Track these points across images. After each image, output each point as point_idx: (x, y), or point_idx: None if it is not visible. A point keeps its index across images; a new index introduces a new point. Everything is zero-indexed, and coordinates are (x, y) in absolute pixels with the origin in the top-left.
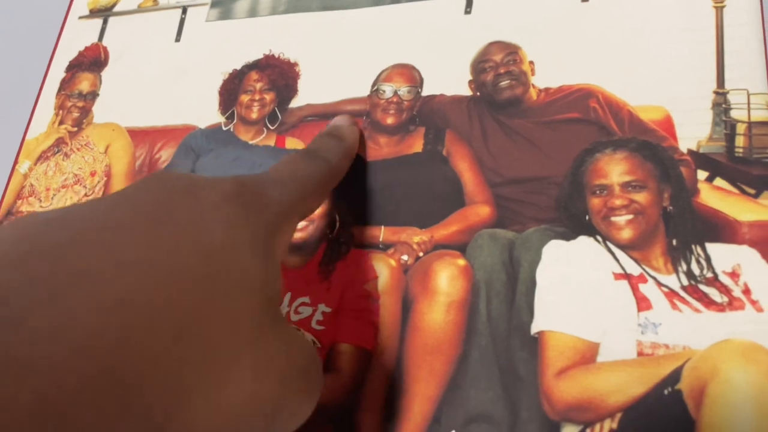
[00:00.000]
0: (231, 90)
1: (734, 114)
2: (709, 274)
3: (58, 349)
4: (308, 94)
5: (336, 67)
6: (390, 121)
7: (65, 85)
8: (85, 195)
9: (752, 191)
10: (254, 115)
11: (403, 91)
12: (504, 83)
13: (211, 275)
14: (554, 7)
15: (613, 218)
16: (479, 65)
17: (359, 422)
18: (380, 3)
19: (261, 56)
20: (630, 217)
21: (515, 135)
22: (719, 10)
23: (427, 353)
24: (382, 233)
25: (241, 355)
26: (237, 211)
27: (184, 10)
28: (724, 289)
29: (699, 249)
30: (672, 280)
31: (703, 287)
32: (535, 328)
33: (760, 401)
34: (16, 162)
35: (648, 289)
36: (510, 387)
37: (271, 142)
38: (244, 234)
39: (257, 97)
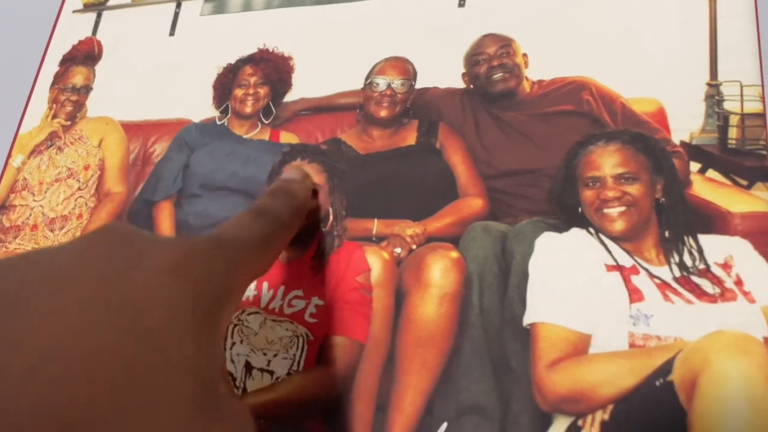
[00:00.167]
0: (225, 84)
1: (727, 106)
2: (702, 266)
3: None
4: (302, 87)
5: (330, 61)
6: (383, 113)
7: (59, 78)
8: (79, 189)
9: (744, 182)
10: (248, 110)
11: (397, 83)
12: (497, 76)
13: (139, 367)
14: (548, 0)
15: (605, 210)
16: (473, 58)
17: (352, 414)
18: None
19: (255, 50)
20: (622, 208)
21: (508, 128)
22: (713, 3)
23: (419, 345)
24: (375, 226)
25: None
26: (179, 284)
27: (179, 4)
28: (717, 281)
29: (691, 240)
30: (664, 272)
31: (695, 278)
32: (527, 320)
33: (752, 392)
34: (9, 156)
35: (640, 280)
36: (502, 379)
37: (266, 136)
38: (185, 311)
39: (251, 91)
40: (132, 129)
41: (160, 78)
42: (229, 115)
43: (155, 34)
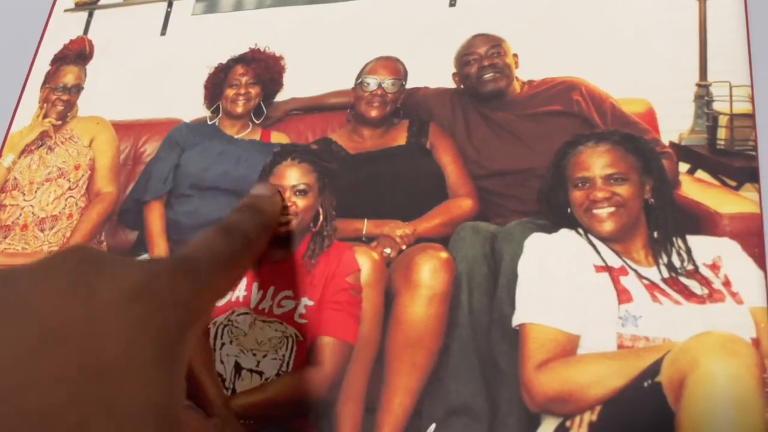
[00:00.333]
0: (216, 84)
1: (716, 106)
2: (690, 267)
3: None
4: (293, 87)
5: (321, 60)
6: (374, 113)
7: (50, 78)
8: (69, 188)
9: (733, 183)
10: (239, 110)
11: (388, 83)
12: (488, 76)
13: (96, 406)
14: (538, 0)
15: (594, 210)
16: (463, 58)
17: (341, 414)
18: None
19: (247, 50)
20: (612, 209)
21: (498, 128)
22: (702, 3)
23: (408, 346)
24: (365, 226)
25: None
26: (141, 311)
27: (170, 4)
28: (705, 282)
29: (680, 241)
30: (653, 273)
31: (683, 279)
32: (516, 321)
33: (739, 393)
34: None
35: (629, 281)
36: (490, 379)
37: (257, 136)
38: (146, 341)
39: (243, 91)
40: (123, 128)
41: (151, 77)
42: (220, 115)
43: (146, 34)
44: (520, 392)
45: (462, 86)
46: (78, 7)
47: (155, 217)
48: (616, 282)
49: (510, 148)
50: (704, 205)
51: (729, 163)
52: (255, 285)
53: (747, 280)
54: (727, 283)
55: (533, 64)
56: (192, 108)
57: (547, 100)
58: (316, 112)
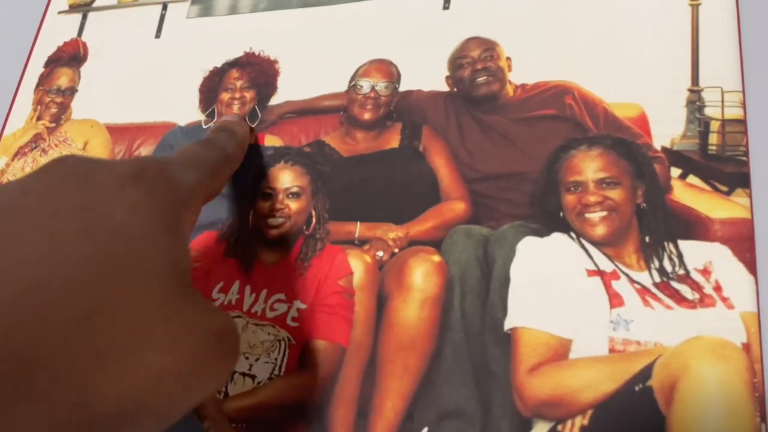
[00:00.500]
0: (211, 88)
1: (708, 111)
2: (681, 271)
3: None
4: (287, 90)
5: (315, 63)
6: (367, 116)
7: (43, 80)
8: None
9: (725, 188)
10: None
11: (381, 86)
12: (481, 79)
13: (114, 258)
14: (532, 3)
15: (587, 215)
16: (456, 61)
17: (333, 418)
18: None
19: (241, 54)
20: (604, 213)
21: (491, 131)
22: (695, 8)
23: (401, 349)
24: (357, 229)
25: (151, 332)
26: (137, 190)
27: (165, 7)
28: (696, 286)
29: (671, 246)
30: (644, 277)
31: (674, 284)
32: (508, 325)
33: (730, 398)
34: None
35: (620, 285)
36: (483, 383)
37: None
38: (147, 212)
39: (238, 95)
40: (117, 132)
41: (146, 81)
42: (215, 119)
43: (141, 37)
44: (512, 396)
45: (455, 89)
46: (72, 9)
47: None
48: (607, 286)
49: (503, 151)
50: (696, 210)
51: (720, 168)
52: (247, 288)
53: (738, 285)
54: (718, 288)
55: (526, 68)
56: (187, 111)
57: (539, 103)
58: (309, 115)
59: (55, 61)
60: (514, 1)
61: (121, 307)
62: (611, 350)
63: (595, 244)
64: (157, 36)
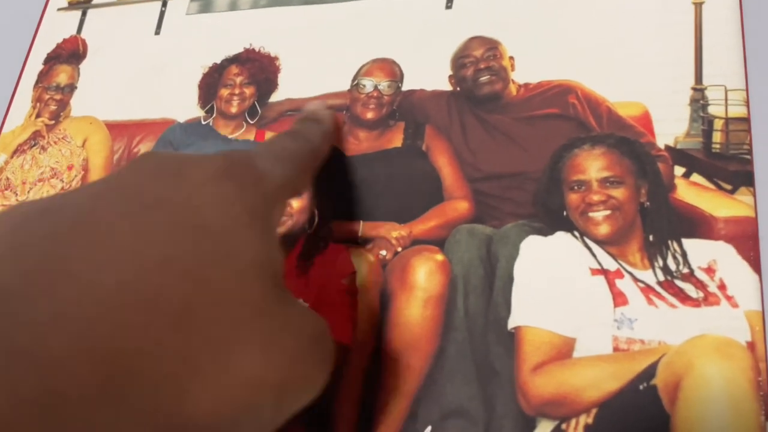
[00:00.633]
0: (211, 84)
1: (712, 110)
2: (685, 270)
3: (58, 340)
4: (288, 88)
5: (316, 62)
6: (370, 115)
7: (43, 77)
8: (62, 189)
9: (729, 187)
10: (234, 110)
11: (384, 85)
12: (484, 78)
13: (207, 254)
14: (535, 2)
15: (590, 214)
16: (459, 60)
17: (335, 417)
18: None
19: (241, 50)
20: (607, 212)
21: (494, 130)
22: (698, 7)
23: (404, 348)
24: (361, 228)
25: (247, 334)
26: (228, 187)
27: (165, 3)
28: (700, 285)
29: (675, 244)
30: (648, 276)
31: (679, 283)
32: (511, 324)
33: (734, 396)
34: None
35: (624, 284)
36: (486, 382)
37: (251, 137)
38: (238, 209)
39: (237, 91)
40: (116, 128)
41: (145, 77)
42: (214, 115)
43: (141, 33)
44: (515, 395)
45: (458, 89)
46: (71, 6)
47: None
48: (611, 285)
49: (506, 150)
50: (699, 209)
51: (724, 166)
52: None
53: (742, 283)
54: (722, 287)
55: (529, 67)
56: (186, 108)
57: (543, 103)
58: None
59: (54, 58)
60: (517, 0)
61: (214, 308)
62: (615, 349)
63: (599, 242)
64: (157, 32)
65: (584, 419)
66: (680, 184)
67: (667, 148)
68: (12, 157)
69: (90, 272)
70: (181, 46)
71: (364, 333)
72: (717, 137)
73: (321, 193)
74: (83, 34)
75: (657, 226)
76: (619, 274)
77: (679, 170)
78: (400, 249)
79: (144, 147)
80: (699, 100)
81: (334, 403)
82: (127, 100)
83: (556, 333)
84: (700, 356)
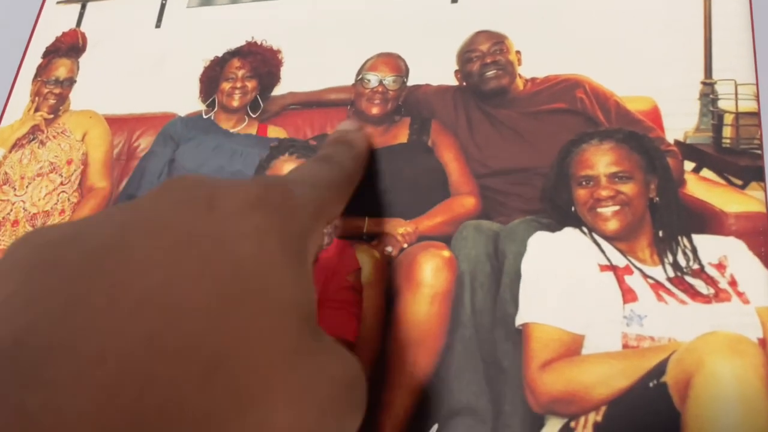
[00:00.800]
0: (212, 77)
1: (722, 104)
2: (696, 266)
3: (75, 405)
4: (291, 82)
5: (320, 55)
6: (375, 111)
7: (42, 71)
8: (61, 183)
9: (739, 182)
10: (236, 103)
11: (389, 80)
12: (490, 73)
13: (240, 298)
14: None
15: (599, 209)
16: (465, 55)
17: None
18: None
19: (243, 43)
20: (616, 208)
21: (501, 125)
22: (707, 1)
23: (410, 345)
24: (366, 224)
25: (279, 386)
26: (263, 217)
27: None
28: (711, 281)
29: (685, 240)
30: (658, 272)
31: (689, 279)
32: (519, 320)
33: (746, 394)
34: None
35: (634, 280)
36: (494, 379)
37: (253, 131)
38: (274, 243)
39: (239, 84)
40: (116, 123)
41: (146, 71)
42: (215, 109)
43: (141, 26)
44: (523, 392)
45: (464, 83)
46: None
47: None
48: (620, 281)
49: (513, 146)
50: (710, 204)
51: (735, 161)
52: None
53: (753, 279)
54: (733, 283)
55: (536, 62)
56: (187, 102)
57: (550, 97)
58: (314, 108)
59: (53, 52)
60: None
61: (246, 358)
62: (624, 346)
63: (608, 238)
64: (158, 25)
65: (593, 417)
66: (690, 179)
67: (677, 143)
68: (10, 151)
69: (116, 321)
70: (182, 40)
71: (370, 330)
72: (727, 132)
73: None
74: (83, 27)
75: (666, 221)
76: (628, 270)
77: (689, 165)
78: (406, 245)
79: (144, 141)
80: (709, 95)
81: None
82: (128, 94)
83: (565, 330)
84: (710, 353)
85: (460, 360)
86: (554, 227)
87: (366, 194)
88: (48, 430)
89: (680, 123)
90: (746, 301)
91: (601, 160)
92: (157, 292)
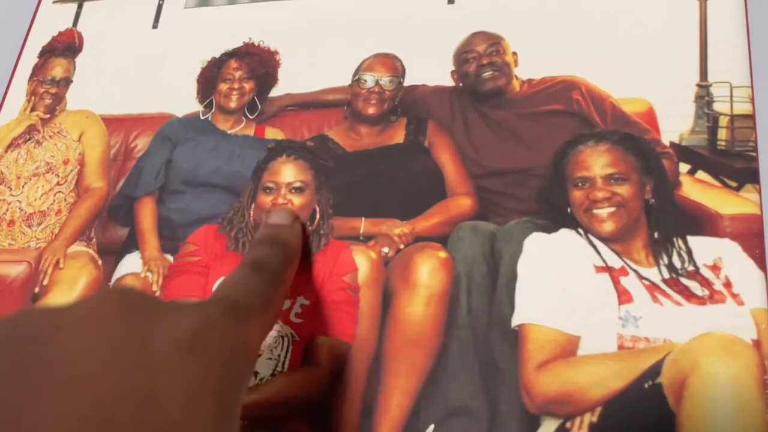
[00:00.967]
0: (209, 78)
1: (717, 107)
2: (691, 267)
3: None
4: (288, 83)
5: (317, 56)
6: (371, 111)
7: (38, 70)
8: (57, 183)
9: (734, 184)
10: (233, 104)
11: (385, 80)
12: (487, 74)
13: None
14: None
15: (595, 210)
16: (462, 56)
17: (338, 415)
18: None
19: (241, 44)
20: (612, 209)
21: (497, 126)
22: (703, 3)
23: (406, 346)
24: (362, 225)
25: None
26: (198, 365)
27: None
28: (705, 283)
29: (680, 242)
30: (653, 273)
31: (684, 280)
32: (515, 321)
33: (740, 394)
34: None
35: (629, 282)
36: (490, 380)
37: (250, 132)
38: (205, 398)
39: (236, 85)
40: (113, 123)
41: (143, 71)
42: (213, 110)
43: (138, 26)
44: (519, 393)
45: (461, 84)
46: None
47: (146, 213)
48: (616, 282)
49: (509, 147)
50: (705, 206)
51: (729, 163)
52: None
53: (748, 281)
54: (727, 284)
55: (533, 63)
56: (184, 102)
57: (546, 99)
58: (312, 109)
59: (49, 51)
60: None
61: None
62: (620, 347)
63: (603, 240)
64: (155, 26)
65: (589, 418)
66: (685, 181)
67: (672, 144)
68: (6, 151)
69: None
70: (180, 40)
71: (366, 331)
72: (722, 134)
73: (322, 190)
74: (79, 27)
75: (662, 223)
76: (623, 271)
77: (684, 167)
78: (402, 246)
79: (141, 142)
80: (704, 97)
81: (336, 400)
82: (124, 94)
83: (561, 331)
84: (705, 354)
85: (456, 361)
86: (550, 228)
87: (362, 195)
88: None
89: (676, 125)
90: (741, 303)
91: (597, 162)
92: None
